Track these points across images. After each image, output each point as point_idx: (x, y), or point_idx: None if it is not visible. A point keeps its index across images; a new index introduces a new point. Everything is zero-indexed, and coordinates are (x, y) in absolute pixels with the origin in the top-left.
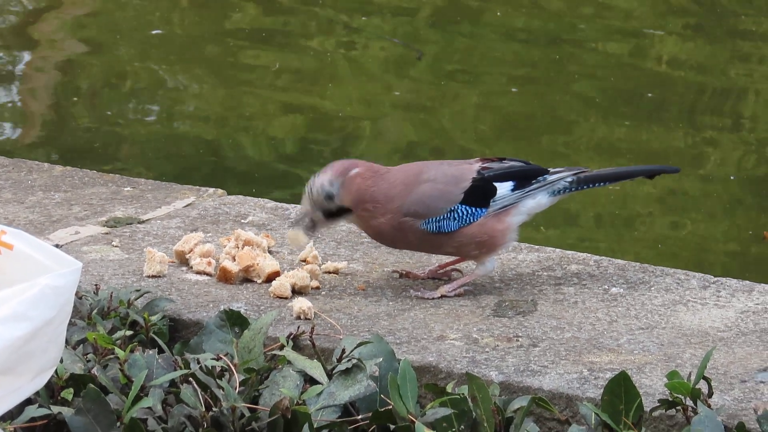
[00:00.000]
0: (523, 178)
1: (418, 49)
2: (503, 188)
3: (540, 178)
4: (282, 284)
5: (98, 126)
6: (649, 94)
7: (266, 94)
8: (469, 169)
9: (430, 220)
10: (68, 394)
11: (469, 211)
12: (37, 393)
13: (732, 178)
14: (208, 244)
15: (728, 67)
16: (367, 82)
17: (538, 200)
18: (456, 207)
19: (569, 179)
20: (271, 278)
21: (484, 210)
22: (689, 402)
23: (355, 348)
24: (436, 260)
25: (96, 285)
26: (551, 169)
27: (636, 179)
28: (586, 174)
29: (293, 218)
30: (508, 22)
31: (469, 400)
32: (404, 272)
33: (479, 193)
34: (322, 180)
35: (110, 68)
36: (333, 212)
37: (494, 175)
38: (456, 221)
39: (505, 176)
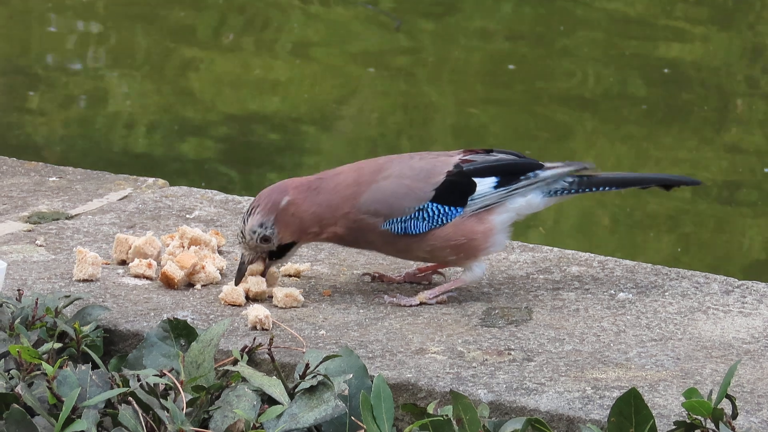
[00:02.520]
0: (510, 174)
1: (396, 17)
2: (484, 185)
3: (530, 174)
4: (235, 289)
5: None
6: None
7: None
8: (445, 162)
9: (394, 220)
10: None
11: (442, 211)
12: None
13: (766, 170)
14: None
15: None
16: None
17: (529, 199)
18: (426, 205)
19: (569, 179)
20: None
21: (460, 209)
22: (710, 424)
23: (321, 363)
24: (414, 262)
25: (18, 290)
26: (546, 164)
27: (649, 188)
28: (590, 178)
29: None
30: None
31: (454, 422)
32: (377, 275)
33: (454, 190)
34: (252, 224)
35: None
36: (275, 252)
37: (474, 170)
38: (426, 222)
39: (488, 171)
